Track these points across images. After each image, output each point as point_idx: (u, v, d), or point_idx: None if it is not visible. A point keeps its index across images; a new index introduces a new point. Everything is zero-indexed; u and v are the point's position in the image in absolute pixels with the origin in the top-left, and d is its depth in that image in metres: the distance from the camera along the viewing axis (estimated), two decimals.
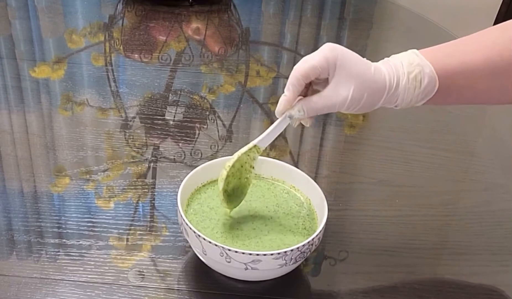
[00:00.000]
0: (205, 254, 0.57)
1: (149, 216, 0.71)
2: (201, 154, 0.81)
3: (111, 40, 1.17)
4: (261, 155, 0.62)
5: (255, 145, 0.61)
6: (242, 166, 0.62)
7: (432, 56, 0.57)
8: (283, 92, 0.57)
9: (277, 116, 0.59)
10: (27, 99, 0.93)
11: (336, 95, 0.56)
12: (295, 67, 0.57)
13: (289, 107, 0.58)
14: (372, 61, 0.58)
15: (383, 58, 0.59)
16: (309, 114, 0.58)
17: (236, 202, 0.63)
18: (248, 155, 0.61)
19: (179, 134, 0.86)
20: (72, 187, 0.74)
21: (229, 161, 0.61)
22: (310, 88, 0.59)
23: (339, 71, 0.56)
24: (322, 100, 0.57)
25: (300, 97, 0.58)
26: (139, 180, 0.76)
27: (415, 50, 0.58)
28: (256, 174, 0.68)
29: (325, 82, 0.57)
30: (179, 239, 0.66)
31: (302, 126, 0.69)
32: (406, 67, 0.57)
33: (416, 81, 0.57)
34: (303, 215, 0.64)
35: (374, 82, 0.56)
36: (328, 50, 0.56)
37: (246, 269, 0.56)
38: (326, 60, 0.55)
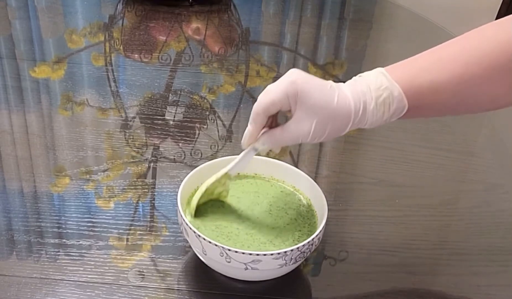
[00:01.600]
0: (205, 254, 0.57)
1: (149, 216, 0.71)
2: (201, 154, 0.81)
3: (111, 40, 1.17)
4: (261, 155, 0.63)
5: (226, 173, 0.62)
6: (212, 193, 0.63)
7: (400, 75, 0.56)
8: None
9: (243, 148, 0.60)
10: (27, 99, 0.93)
11: (298, 130, 0.56)
12: (257, 100, 0.56)
13: (253, 140, 0.59)
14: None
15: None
16: (273, 147, 0.59)
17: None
18: (219, 182, 0.63)
19: (179, 134, 0.86)
20: (72, 187, 0.74)
21: (198, 192, 0.62)
22: (275, 117, 0.59)
23: (300, 106, 0.55)
24: (285, 134, 0.57)
25: (265, 129, 0.58)
26: (139, 180, 0.76)
27: (383, 70, 0.56)
28: (256, 174, 0.69)
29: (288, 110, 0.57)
30: (179, 239, 0.66)
31: None
32: (374, 92, 0.55)
33: (385, 106, 0.56)
34: (303, 215, 0.64)
35: (338, 113, 0.55)
36: (289, 84, 0.55)
37: (246, 269, 0.56)
38: (286, 95, 0.55)
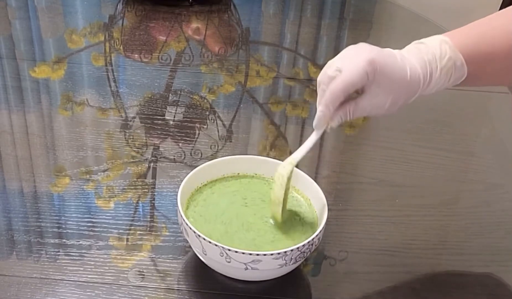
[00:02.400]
0: (205, 254, 0.57)
1: (149, 216, 0.71)
2: (201, 154, 0.81)
3: (111, 40, 1.17)
4: (261, 155, 0.63)
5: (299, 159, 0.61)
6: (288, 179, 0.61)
7: (462, 44, 0.56)
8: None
9: (315, 129, 0.59)
10: (27, 99, 0.93)
11: (372, 105, 0.55)
12: (334, 84, 0.54)
13: (327, 122, 0.57)
14: None
15: None
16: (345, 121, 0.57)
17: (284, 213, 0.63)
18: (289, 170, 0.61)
19: (179, 134, 0.86)
20: (72, 187, 0.74)
21: (282, 180, 0.60)
22: None
23: (378, 83, 0.54)
24: (359, 110, 0.56)
25: None
26: (139, 180, 0.76)
27: (446, 39, 0.56)
28: (256, 174, 0.69)
29: None
30: (179, 239, 0.66)
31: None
32: (439, 62, 0.55)
33: (447, 75, 0.56)
34: (303, 215, 0.64)
35: (410, 87, 0.55)
36: (367, 64, 0.53)
37: (246, 269, 0.56)
38: (366, 75, 0.53)
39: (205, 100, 0.96)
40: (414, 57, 0.56)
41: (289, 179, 0.61)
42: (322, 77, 0.56)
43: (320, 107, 0.56)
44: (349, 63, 0.54)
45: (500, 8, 1.60)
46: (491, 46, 0.57)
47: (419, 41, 0.58)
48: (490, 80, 0.61)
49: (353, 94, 0.56)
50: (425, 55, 0.56)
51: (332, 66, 0.55)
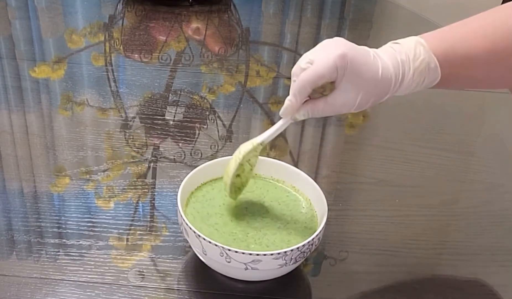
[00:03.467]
0: (205, 254, 0.57)
1: (149, 216, 0.71)
2: (201, 154, 0.81)
3: (111, 40, 1.17)
4: (261, 155, 0.63)
5: (262, 142, 0.61)
6: (247, 161, 0.62)
7: (437, 46, 0.56)
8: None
9: (281, 117, 0.59)
10: (27, 99, 0.93)
11: (343, 101, 0.55)
12: (303, 74, 0.55)
13: (294, 112, 0.57)
14: None
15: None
16: (312, 117, 0.57)
17: (237, 193, 0.64)
18: (255, 150, 0.61)
19: (179, 134, 0.86)
20: (72, 187, 0.74)
21: (238, 155, 0.61)
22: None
23: (348, 79, 0.54)
24: (328, 107, 0.56)
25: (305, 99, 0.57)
26: (139, 180, 0.76)
27: (421, 41, 0.56)
28: (256, 174, 0.68)
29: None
30: (179, 239, 0.66)
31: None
32: (412, 62, 0.55)
33: (420, 77, 0.56)
34: (303, 215, 0.64)
35: (381, 85, 0.55)
36: (339, 58, 0.53)
37: (246, 269, 0.56)
38: (335, 69, 0.53)
39: (205, 100, 0.96)
40: (388, 56, 0.56)
41: (250, 162, 0.62)
42: (295, 69, 0.57)
43: (288, 97, 0.57)
44: (321, 56, 0.55)
45: None
46: (468, 48, 0.56)
47: (394, 41, 0.58)
48: (468, 83, 0.61)
49: (326, 91, 0.56)
50: (398, 56, 0.56)
51: (305, 59, 0.56)
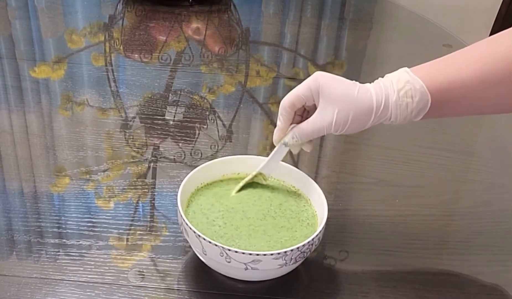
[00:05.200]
0: (205, 254, 0.57)
1: (149, 216, 0.71)
2: (201, 154, 0.81)
3: (111, 40, 1.17)
4: (260, 155, 0.63)
5: (260, 173, 0.66)
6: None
7: (423, 73, 0.58)
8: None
9: (275, 144, 0.64)
10: (27, 99, 0.93)
11: (322, 120, 0.59)
12: (283, 98, 0.61)
13: (283, 135, 0.62)
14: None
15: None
16: (301, 140, 0.62)
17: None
18: (254, 182, 0.67)
19: (179, 134, 0.86)
20: (72, 187, 0.74)
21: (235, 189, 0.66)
22: (304, 115, 0.63)
23: (323, 97, 0.59)
24: (310, 125, 0.60)
25: (293, 124, 0.62)
26: (139, 180, 0.76)
27: (406, 69, 0.59)
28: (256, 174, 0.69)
29: (315, 108, 0.61)
30: (179, 239, 0.66)
31: None
32: (396, 84, 0.58)
33: (407, 97, 0.57)
34: (303, 215, 0.64)
35: (360, 102, 0.58)
36: (312, 80, 0.59)
37: (246, 269, 0.56)
38: (309, 89, 0.59)
39: (205, 100, 0.96)
40: (371, 84, 0.60)
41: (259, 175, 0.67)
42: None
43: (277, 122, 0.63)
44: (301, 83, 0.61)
45: (500, 8, 1.60)
46: (455, 74, 0.57)
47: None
48: (460, 110, 0.61)
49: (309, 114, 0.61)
50: (381, 81, 0.59)
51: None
